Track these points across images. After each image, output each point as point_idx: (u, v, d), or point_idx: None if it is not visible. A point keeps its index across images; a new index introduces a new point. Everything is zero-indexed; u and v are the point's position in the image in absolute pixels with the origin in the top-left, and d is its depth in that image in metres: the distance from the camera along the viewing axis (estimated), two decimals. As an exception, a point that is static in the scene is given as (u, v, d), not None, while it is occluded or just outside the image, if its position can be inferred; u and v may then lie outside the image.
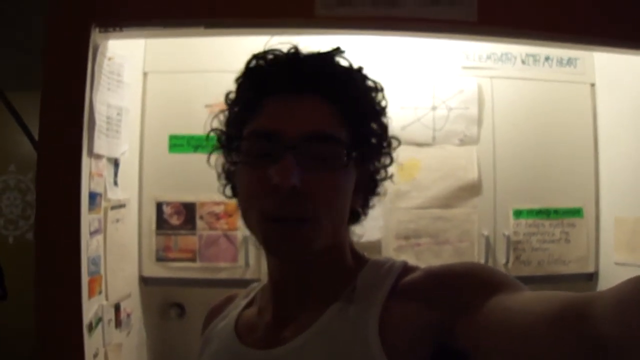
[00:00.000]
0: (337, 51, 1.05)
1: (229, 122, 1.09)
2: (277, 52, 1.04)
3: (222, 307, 1.26)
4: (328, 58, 1.04)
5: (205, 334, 1.22)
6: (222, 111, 1.11)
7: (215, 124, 1.12)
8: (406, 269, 1.03)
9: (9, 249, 4.41)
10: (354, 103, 1.02)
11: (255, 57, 1.05)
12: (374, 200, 1.13)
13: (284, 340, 1.01)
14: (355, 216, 1.10)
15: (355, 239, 1.13)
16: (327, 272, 1.05)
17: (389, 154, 1.10)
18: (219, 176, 1.13)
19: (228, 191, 1.13)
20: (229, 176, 1.12)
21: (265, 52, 1.05)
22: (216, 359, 1.13)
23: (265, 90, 1.01)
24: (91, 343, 2.13)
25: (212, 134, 1.12)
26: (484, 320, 0.84)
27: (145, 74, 2.84)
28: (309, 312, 1.02)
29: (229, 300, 1.27)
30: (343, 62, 1.05)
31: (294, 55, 1.04)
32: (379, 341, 0.92)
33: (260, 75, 1.04)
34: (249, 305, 1.20)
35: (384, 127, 1.08)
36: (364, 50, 2.65)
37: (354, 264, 1.08)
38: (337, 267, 1.07)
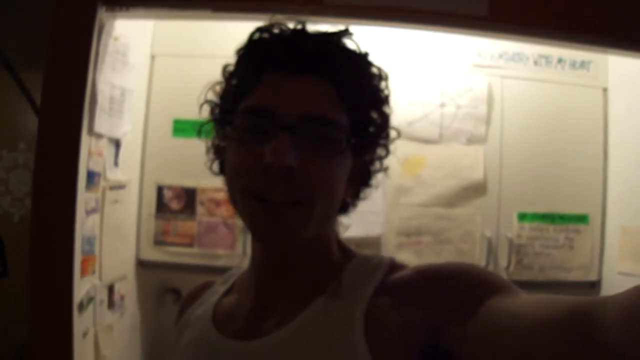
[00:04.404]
0: (345, 32, 1.00)
1: (224, 94, 1.04)
2: (282, 27, 0.99)
3: (198, 293, 1.21)
4: (335, 38, 0.99)
5: (181, 321, 1.17)
6: (218, 83, 1.06)
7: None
8: (394, 265, 1.00)
9: (14, 227, 4.40)
10: (357, 88, 0.97)
11: (260, 29, 1.00)
12: (367, 193, 1.09)
13: (264, 332, 0.98)
14: (345, 207, 1.07)
15: (342, 230, 1.09)
16: (312, 263, 1.02)
17: (387, 146, 1.06)
18: (207, 150, 1.10)
19: (215, 167, 1.09)
20: (218, 151, 1.08)
21: (270, 26, 1.00)
22: (193, 348, 1.08)
23: (265, 64, 0.96)
24: (81, 322, 2.12)
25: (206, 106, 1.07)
26: (480, 323, 0.82)
27: (153, 57, 2.84)
28: (292, 304, 0.99)
29: (206, 286, 1.22)
30: (350, 45, 1.00)
31: (300, 31, 0.99)
32: (363, 339, 0.89)
33: (262, 48, 0.99)
34: (227, 292, 1.16)
35: (385, 117, 1.04)
36: (372, 42, 2.61)
37: (341, 257, 1.05)
38: (323, 258, 1.03)
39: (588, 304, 0.69)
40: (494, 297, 0.84)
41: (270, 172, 0.88)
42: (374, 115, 1.02)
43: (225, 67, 1.05)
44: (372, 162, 1.06)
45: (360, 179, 1.06)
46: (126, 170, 2.57)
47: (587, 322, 0.67)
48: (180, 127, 2.80)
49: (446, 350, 0.87)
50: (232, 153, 0.97)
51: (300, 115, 0.91)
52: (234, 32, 2.56)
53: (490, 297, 0.84)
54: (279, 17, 1.01)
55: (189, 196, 2.79)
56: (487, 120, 2.87)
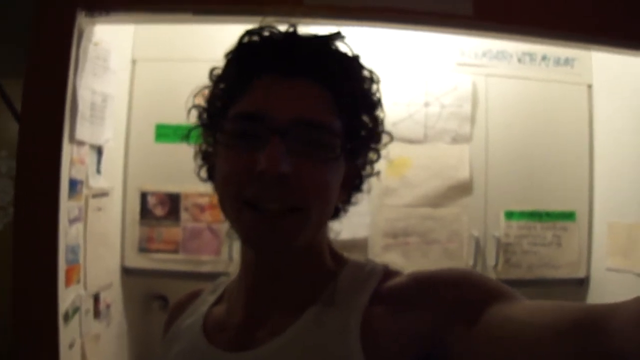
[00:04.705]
0: (338, 36, 0.98)
1: (212, 99, 1.02)
2: (273, 30, 0.97)
3: (186, 303, 1.19)
4: (327, 42, 0.98)
5: (169, 332, 1.15)
6: (205, 87, 1.04)
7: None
8: (388, 272, 0.99)
9: (-3, 236, 4.36)
10: (349, 92, 0.96)
11: (249, 32, 0.98)
12: (357, 197, 1.08)
13: (257, 343, 0.96)
14: (336, 212, 1.05)
15: (332, 235, 1.07)
16: (305, 270, 1.00)
17: (378, 150, 1.05)
18: (195, 156, 1.07)
19: (203, 173, 1.07)
20: (206, 157, 1.06)
21: (261, 28, 0.98)
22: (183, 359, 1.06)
23: (257, 68, 0.95)
24: (67, 333, 2.09)
25: (194, 110, 1.06)
26: (482, 330, 0.81)
27: (134, 62, 2.81)
28: (284, 314, 0.97)
29: (194, 295, 1.20)
30: (342, 48, 0.98)
31: (291, 34, 0.97)
32: (360, 348, 0.88)
33: (253, 52, 0.97)
34: (217, 301, 1.14)
35: (377, 121, 1.03)
36: (355, 42, 2.61)
37: (333, 264, 1.03)
38: (316, 265, 1.01)
39: (596, 310, 0.68)
40: (495, 304, 0.83)
41: (264, 179, 0.86)
42: (367, 119, 1.00)
43: (212, 71, 1.03)
44: (364, 166, 1.05)
45: (352, 183, 1.05)
46: (109, 177, 2.54)
47: (596, 328, 0.66)
48: (163, 132, 2.77)
49: (443, 358, 0.85)
50: (223, 159, 0.95)
51: (292, 120, 0.90)
52: (215, 36, 2.58)
53: (491, 304, 0.83)
54: (263, 19, 1.00)
55: (172, 202, 2.76)
56: (472, 119, 2.87)
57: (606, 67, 2.83)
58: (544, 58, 2.89)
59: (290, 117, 0.90)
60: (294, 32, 0.98)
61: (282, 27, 0.98)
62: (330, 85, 0.94)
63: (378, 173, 1.08)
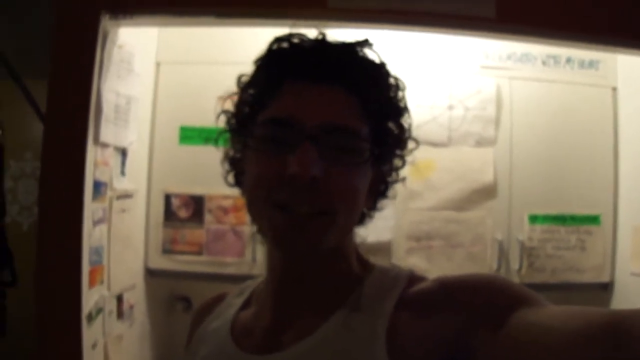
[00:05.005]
0: (365, 43, 0.99)
1: (241, 104, 1.04)
2: (303, 37, 0.99)
3: (211, 306, 1.19)
4: (356, 49, 0.99)
5: (195, 335, 1.15)
6: (234, 93, 1.06)
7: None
8: (413, 278, 0.99)
9: (23, 236, 4.39)
10: (378, 99, 0.97)
11: (279, 39, 1.00)
12: (382, 203, 1.08)
13: (284, 346, 0.96)
14: (362, 217, 1.05)
15: (358, 240, 1.08)
16: (332, 275, 1.00)
17: (403, 157, 1.06)
18: (222, 161, 1.08)
19: (231, 178, 1.08)
20: (234, 162, 1.07)
21: (290, 35, 0.99)
22: None
23: (287, 74, 0.96)
24: (90, 333, 2.10)
25: (222, 116, 1.07)
26: (509, 335, 0.81)
27: (158, 64, 2.82)
28: (311, 317, 0.98)
29: (219, 299, 1.20)
30: (370, 55, 0.99)
31: (321, 41, 0.99)
32: (385, 353, 0.88)
33: (284, 57, 0.98)
34: (244, 305, 1.14)
35: (404, 128, 1.03)
36: (379, 45, 2.61)
37: (360, 269, 1.03)
38: (343, 269, 1.02)
39: (624, 315, 0.68)
40: (521, 309, 0.83)
41: (295, 183, 0.88)
42: (394, 126, 1.01)
43: (240, 77, 1.05)
44: (389, 172, 1.05)
45: (378, 189, 1.06)
46: (133, 179, 2.56)
47: (624, 333, 0.66)
48: (187, 135, 2.78)
49: None
50: (253, 163, 0.96)
51: (323, 125, 0.91)
52: (238, 39, 2.58)
53: (517, 309, 0.83)
54: (293, 23, 1.01)
55: (196, 204, 2.77)
56: (496, 122, 2.85)
57: (631, 69, 2.79)
58: (568, 60, 2.86)
59: (320, 123, 0.91)
60: (323, 39, 0.99)
61: (311, 34, 1.00)
62: (358, 91, 0.95)
63: (403, 179, 1.08)
